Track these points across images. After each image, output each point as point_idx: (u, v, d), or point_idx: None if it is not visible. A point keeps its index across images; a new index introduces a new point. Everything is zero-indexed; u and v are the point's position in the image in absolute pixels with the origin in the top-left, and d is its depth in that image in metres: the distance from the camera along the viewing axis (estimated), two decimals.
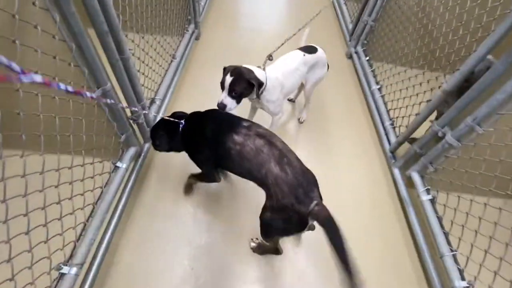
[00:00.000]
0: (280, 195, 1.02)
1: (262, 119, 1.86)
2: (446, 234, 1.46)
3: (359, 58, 2.72)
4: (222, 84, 1.41)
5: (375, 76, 2.43)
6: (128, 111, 1.53)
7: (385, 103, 2.20)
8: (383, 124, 2.10)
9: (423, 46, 2.06)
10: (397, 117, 2.02)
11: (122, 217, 1.50)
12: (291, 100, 2.35)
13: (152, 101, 1.92)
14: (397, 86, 2.15)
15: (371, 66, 2.52)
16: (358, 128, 2.25)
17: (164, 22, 2.06)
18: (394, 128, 2.02)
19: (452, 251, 1.40)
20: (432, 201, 1.58)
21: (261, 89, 1.47)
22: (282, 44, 1.68)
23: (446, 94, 1.48)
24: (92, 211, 1.34)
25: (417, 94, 1.91)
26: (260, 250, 1.47)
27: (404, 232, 1.70)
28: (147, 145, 1.80)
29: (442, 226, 1.49)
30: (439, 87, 1.59)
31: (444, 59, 1.75)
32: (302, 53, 1.76)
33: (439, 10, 1.92)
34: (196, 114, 1.36)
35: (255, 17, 3.34)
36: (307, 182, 1.02)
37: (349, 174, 1.95)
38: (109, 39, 1.19)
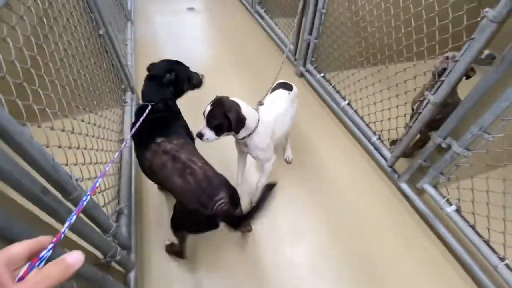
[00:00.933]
0: (186, 203, 1.15)
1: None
2: (487, 242, 1.42)
3: (311, 75, 2.67)
4: (204, 113, 1.31)
5: (338, 92, 2.38)
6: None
7: (361, 117, 2.15)
8: (369, 140, 2.04)
9: (369, 46, 2.13)
10: (381, 130, 1.97)
11: None
12: None
13: (119, 213, 1.49)
14: (362, 93, 2.12)
15: (329, 82, 2.48)
16: (345, 150, 2.15)
17: (99, 106, 1.63)
18: (383, 141, 1.97)
19: (502, 259, 1.35)
20: (458, 211, 1.53)
21: (244, 128, 1.31)
22: (270, 88, 1.53)
23: (436, 106, 1.45)
24: None
25: (389, 99, 1.88)
26: (169, 249, 1.51)
27: (439, 247, 1.63)
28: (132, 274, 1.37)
29: (479, 235, 1.45)
30: (405, 81, 1.66)
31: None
32: (286, 92, 1.61)
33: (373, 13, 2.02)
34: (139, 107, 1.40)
35: (186, 59, 3.04)
36: (211, 187, 1.12)
37: (355, 200, 1.82)
38: (47, 198, 0.80)
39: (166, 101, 1.42)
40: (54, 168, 0.87)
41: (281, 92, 1.61)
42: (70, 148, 1.11)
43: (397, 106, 1.84)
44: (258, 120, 1.37)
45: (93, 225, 1.08)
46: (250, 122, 1.32)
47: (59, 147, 1.02)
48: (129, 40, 2.89)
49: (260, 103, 1.48)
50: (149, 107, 1.34)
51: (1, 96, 0.71)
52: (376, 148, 1.99)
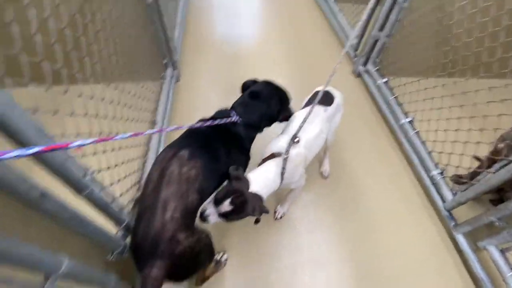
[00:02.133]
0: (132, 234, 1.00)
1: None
2: None
3: (371, 78, 2.30)
4: (217, 197, 1.04)
5: (400, 105, 2.02)
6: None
7: (424, 142, 1.80)
8: (428, 173, 1.71)
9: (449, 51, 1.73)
10: (447, 165, 1.62)
11: None
12: None
13: (136, 201, 1.42)
14: (432, 114, 1.76)
15: (391, 91, 2.11)
16: (394, 177, 1.84)
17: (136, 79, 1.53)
18: (445, 178, 1.63)
19: None
20: None
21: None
22: (304, 119, 1.21)
23: None
24: None
25: (465, 129, 1.52)
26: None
27: None
28: None
29: None
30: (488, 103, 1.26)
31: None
32: (322, 108, 1.35)
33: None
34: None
35: (235, 39, 2.83)
36: (149, 249, 0.90)
37: (394, 240, 1.56)
38: (48, 201, 0.70)
39: (249, 126, 1.23)
40: (63, 167, 0.76)
41: (316, 111, 1.32)
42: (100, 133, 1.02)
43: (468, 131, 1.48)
44: (283, 169, 1.14)
45: (102, 222, 1.00)
46: (273, 190, 1.15)
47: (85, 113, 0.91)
48: (180, 8, 2.74)
49: (295, 140, 1.20)
50: (236, 118, 1.19)
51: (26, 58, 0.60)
52: (434, 184, 1.66)
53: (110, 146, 1.16)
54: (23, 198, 0.63)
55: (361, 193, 1.74)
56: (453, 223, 1.54)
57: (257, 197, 1.05)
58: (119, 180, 1.21)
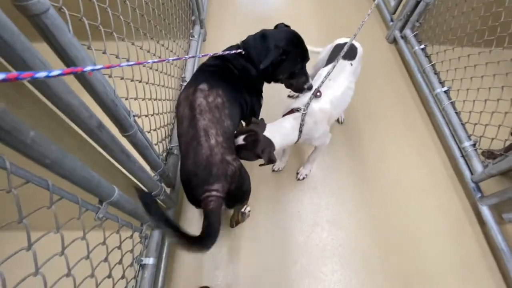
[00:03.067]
0: (181, 171, 1.05)
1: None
2: None
3: (407, 44, 2.17)
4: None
5: (436, 73, 1.91)
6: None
7: (458, 113, 1.72)
8: (459, 144, 1.66)
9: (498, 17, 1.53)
10: (481, 136, 1.56)
11: None
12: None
13: (169, 153, 1.50)
14: (472, 83, 1.66)
15: (428, 58, 1.99)
16: (421, 148, 1.81)
17: (166, 34, 1.54)
18: (477, 150, 1.58)
19: None
20: None
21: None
22: (328, 73, 1.19)
23: None
24: None
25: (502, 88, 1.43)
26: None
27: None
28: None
29: None
30: None
31: None
32: (348, 62, 1.33)
33: None
34: None
35: (261, 2, 2.69)
36: (206, 174, 0.94)
37: (415, 209, 1.58)
38: (104, 132, 0.76)
39: (252, 66, 1.19)
40: (113, 103, 0.81)
41: (342, 65, 1.30)
42: (132, 80, 1.06)
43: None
44: (302, 125, 1.16)
45: (143, 163, 1.08)
46: (287, 143, 1.19)
47: (121, 78, 0.95)
48: None
49: (317, 94, 1.19)
50: (240, 51, 1.16)
51: (67, 11, 0.62)
52: (464, 156, 1.62)
53: (147, 95, 1.21)
54: (84, 125, 0.68)
55: (383, 160, 1.74)
56: (479, 195, 1.52)
57: (268, 142, 1.11)
58: (154, 129, 1.28)
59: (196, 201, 0.97)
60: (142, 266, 1.15)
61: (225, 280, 1.35)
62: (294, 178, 1.65)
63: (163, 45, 1.48)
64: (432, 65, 1.93)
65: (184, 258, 1.40)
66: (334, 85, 1.25)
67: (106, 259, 0.89)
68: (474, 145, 1.59)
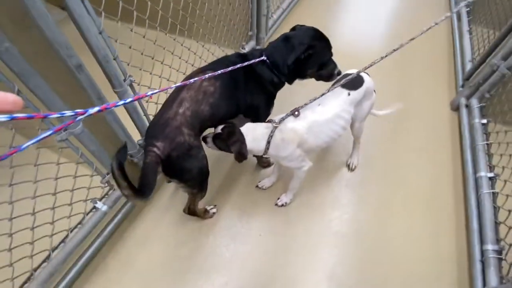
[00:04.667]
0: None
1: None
2: None
3: (469, 115, 1.85)
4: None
5: (488, 155, 1.57)
6: None
7: (495, 208, 1.35)
8: (482, 245, 1.29)
9: None
10: (510, 245, 1.18)
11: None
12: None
13: None
14: None
15: (487, 136, 1.65)
16: (440, 225, 1.48)
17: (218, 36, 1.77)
18: (500, 260, 1.20)
19: None
20: None
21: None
22: (316, 98, 1.17)
23: None
24: None
25: None
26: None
27: None
28: None
29: None
30: None
31: None
32: (346, 91, 1.23)
33: None
34: None
35: (347, 36, 2.72)
36: (158, 131, 1.06)
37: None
38: (83, 74, 0.94)
39: (275, 69, 1.25)
40: (105, 59, 1.01)
41: (338, 92, 1.21)
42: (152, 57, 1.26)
43: None
44: (270, 136, 1.16)
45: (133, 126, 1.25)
46: (254, 148, 1.18)
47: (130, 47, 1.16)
48: None
49: (295, 114, 1.17)
50: (263, 58, 1.23)
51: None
52: (482, 260, 1.25)
53: (160, 73, 1.41)
54: (64, 62, 0.88)
55: (387, 224, 1.49)
56: None
57: (242, 136, 1.13)
58: (156, 103, 1.45)
59: (146, 146, 1.08)
60: (95, 208, 1.31)
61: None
62: (273, 201, 1.58)
63: (203, 46, 1.71)
64: (487, 144, 1.59)
65: (140, 225, 1.50)
66: (320, 111, 1.19)
67: (55, 179, 1.06)
68: (499, 252, 1.21)
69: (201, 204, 1.41)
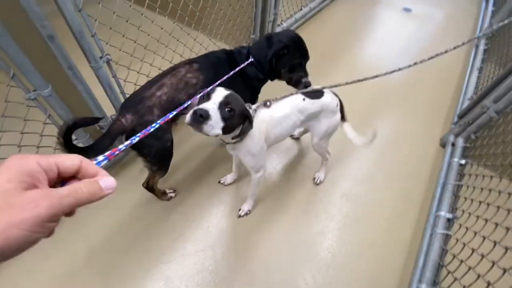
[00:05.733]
0: None
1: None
2: None
3: (451, 154, 1.77)
4: (208, 95, 0.94)
5: (455, 196, 1.50)
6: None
7: (443, 250, 1.30)
8: (418, 284, 1.25)
9: None
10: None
11: None
12: (294, 138, 1.93)
13: None
14: (484, 228, 1.21)
15: (460, 177, 1.58)
16: (385, 252, 1.44)
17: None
18: None
19: None
20: None
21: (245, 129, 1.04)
22: (283, 96, 1.21)
23: None
24: None
25: None
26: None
27: None
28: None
29: None
30: None
31: None
32: (301, 97, 1.26)
33: None
34: None
35: (367, 60, 2.71)
36: (131, 104, 1.13)
37: None
38: (54, 44, 1.06)
39: (259, 66, 1.34)
40: (80, 34, 1.12)
41: (296, 96, 1.24)
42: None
43: None
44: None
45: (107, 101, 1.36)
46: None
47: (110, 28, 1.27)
48: (309, 7, 2.87)
49: (266, 104, 1.18)
50: (250, 60, 1.32)
51: None
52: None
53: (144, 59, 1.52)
54: (37, 32, 0.99)
55: (326, 235, 1.48)
56: None
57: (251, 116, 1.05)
58: (135, 84, 1.55)
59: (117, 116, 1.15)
60: None
61: None
62: (236, 204, 1.60)
63: (195, 39, 1.80)
64: (457, 184, 1.53)
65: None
66: (279, 108, 1.22)
67: (21, 133, 1.19)
68: None
69: (161, 185, 1.49)
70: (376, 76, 1.08)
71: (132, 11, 1.32)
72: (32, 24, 0.97)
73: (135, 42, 1.41)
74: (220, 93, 0.93)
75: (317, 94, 1.28)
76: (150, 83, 1.18)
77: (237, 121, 0.98)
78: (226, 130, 0.93)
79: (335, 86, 1.16)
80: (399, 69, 1.09)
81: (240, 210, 1.56)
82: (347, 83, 1.11)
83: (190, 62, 1.27)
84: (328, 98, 1.31)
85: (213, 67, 1.29)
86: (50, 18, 1.01)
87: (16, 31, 0.95)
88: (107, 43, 1.28)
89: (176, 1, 1.57)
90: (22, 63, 1.01)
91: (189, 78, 1.21)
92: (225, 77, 1.10)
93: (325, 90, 1.29)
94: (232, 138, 1.07)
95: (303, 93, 1.26)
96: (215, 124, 0.88)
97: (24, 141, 1.21)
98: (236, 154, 1.27)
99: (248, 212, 1.56)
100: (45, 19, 0.99)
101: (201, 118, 0.85)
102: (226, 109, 0.90)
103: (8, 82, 1.04)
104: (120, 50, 1.37)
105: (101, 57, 1.26)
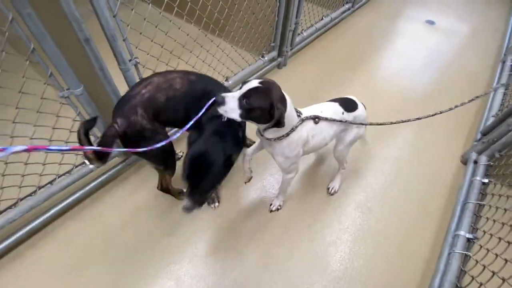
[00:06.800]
0: None
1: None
2: None
3: (473, 172, 1.71)
4: (243, 83, 1.02)
5: (477, 216, 1.45)
6: None
7: (462, 271, 1.25)
8: None
9: None
10: None
11: None
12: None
13: None
14: (508, 251, 1.16)
15: (482, 196, 1.53)
16: (402, 272, 1.40)
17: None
18: None
19: None
20: None
21: (281, 126, 1.04)
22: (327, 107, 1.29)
23: None
24: None
25: None
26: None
27: None
28: None
29: None
30: None
31: None
32: (341, 110, 1.29)
33: None
34: None
35: (388, 73, 2.70)
36: (120, 105, 1.12)
37: None
38: (88, 47, 1.13)
39: None
40: (113, 38, 1.18)
41: (334, 107, 1.29)
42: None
43: None
44: (297, 126, 1.14)
45: None
46: (287, 126, 1.09)
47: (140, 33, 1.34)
48: (330, 17, 2.88)
49: (315, 120, 1.20)
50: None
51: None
52: None
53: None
54: (75, 34, 1.06)
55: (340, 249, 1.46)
56: None
57: (284, 97, 1.04)
58: None
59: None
60: (84, 164, 1.50)
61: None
62: (267, 199, 1.63)
63: (217, 46, 1.86)
64: (479, 203, 1.47)
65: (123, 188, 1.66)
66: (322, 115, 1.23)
67: (53, 128, 1.26)
68: None
69: (175, 184, 1.52)
70: (418, 118, 1.20)
71: (161, 18, 1.38)
72: (71, 27, 1.03)
73: (162, 47, 1.47)
74: (248, 86, 0.99)
75: (353, 105, 1.33)
76: (141, 81, 1.18)
77: (259, 114, 1.00)
78: (245, 117, 1.00)
79: (381, 124, 1.23)
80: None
81: (271, 205, 1.60)
82: (392, 123, 1.21)
83: (189, 73, 1.24)
84: (361, 110, 1.36)
85: (204, 82, 1.23)
86: (83, 19, 1.07)
87: (56, 34, 1.02)
88: (136, 47, 1.34)
89: (203, 9, 1.63)
90: (59, 63, 1.08)
91: (174, 80, 1.17)
92: (193, 120, 1.04)
93: (357, 101, 1.36)
94: (269, 138, 1.13)
95: (341, 105, 1.30)
96: (230, 110, 0.99)
97: (54, 136, 1.28)
98: (271, 152, 1.25)
99: (279, 207, 1.60)
100: (83, 23, 1.05)
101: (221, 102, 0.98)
102: (245, 101, 0.98)
103: (46, 80, 1.11)
104: (147, 54, 1.43)
105: (130, 60, 1.32)
